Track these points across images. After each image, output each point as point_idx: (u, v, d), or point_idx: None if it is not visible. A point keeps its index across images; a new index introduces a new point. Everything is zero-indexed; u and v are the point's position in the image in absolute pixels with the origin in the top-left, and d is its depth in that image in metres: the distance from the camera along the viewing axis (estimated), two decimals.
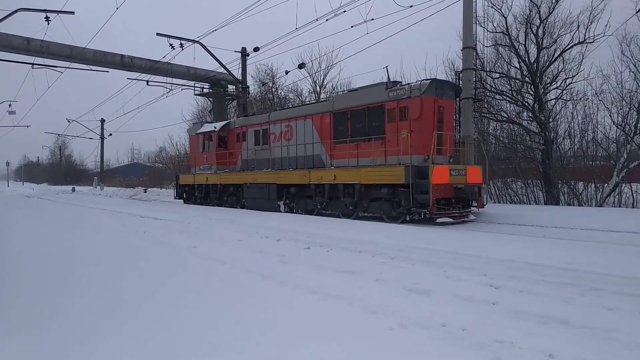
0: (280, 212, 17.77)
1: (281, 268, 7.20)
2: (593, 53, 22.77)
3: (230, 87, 35.86)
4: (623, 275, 6.08)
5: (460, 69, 18.62)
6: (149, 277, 6.73)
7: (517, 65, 23.64)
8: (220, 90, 33.92)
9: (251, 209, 19.55)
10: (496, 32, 23.84)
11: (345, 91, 18.22)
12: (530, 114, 22.78)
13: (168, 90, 31.99)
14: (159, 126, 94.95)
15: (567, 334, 4.17)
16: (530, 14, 22.85)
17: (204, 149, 23.38)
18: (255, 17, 79.23)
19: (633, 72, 20.79)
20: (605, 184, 20.62)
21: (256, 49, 27.72)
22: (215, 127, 22.49)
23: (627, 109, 20.77)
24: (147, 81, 31.17)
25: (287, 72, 28.31)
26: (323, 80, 35.50)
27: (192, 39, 27.27)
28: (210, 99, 40.61)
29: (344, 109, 16.32)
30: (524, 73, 23.23)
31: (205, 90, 34.39)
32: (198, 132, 23.92)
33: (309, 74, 34.62)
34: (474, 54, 17.95)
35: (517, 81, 23.56)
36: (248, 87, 30.81)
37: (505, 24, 23.27)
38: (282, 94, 37.17)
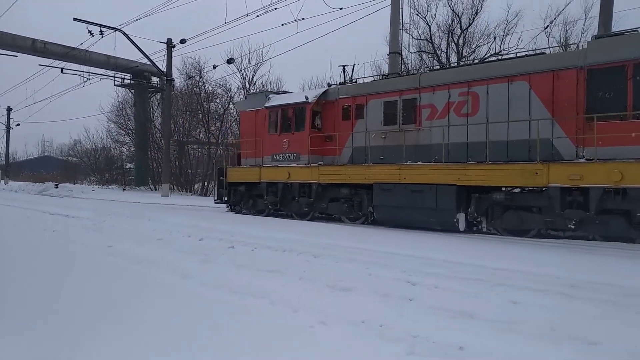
0: (460, 231, 11.48)
1: None
2: None
3: (154, 79, 34.42)
4: (529, 271, 6.53)
5: (386, 73, 19.19)
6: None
7: None
8: (143, 82, 32.46)
9: (390, 224, 12.75)
10: (421, 39, 24.92)
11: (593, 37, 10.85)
12: None
13: (85, 79, 30.07)
14: (74, 117, 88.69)
15: (476, 327, 4.39)
16: (452, 23, 24.16)
17: (280, 129, 15.52)
18: (182, 9, 76.50)
19: None
20: None
21: (183, 41, 26.80)
22: (306, 98, 14.83)
23: None
24: (62, 69, 29.12)
25: (215, 67, 27.67)
26: (253, 77, 35.10)
27: (114, 26, 25.81)
28: (132, 90, 38.74)
29: (616, 63, 9.74)
30: None
31: (126, 82, 32.71)
32: (266, 105, 15.99)
33: (238, 69, 34.04)
34: (400, 59, 18.59)
35: None
36: (173, 80, 29.70)
37: (429, 32, 24.40)
38: (210, 88, 36.28)
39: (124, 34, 26.06)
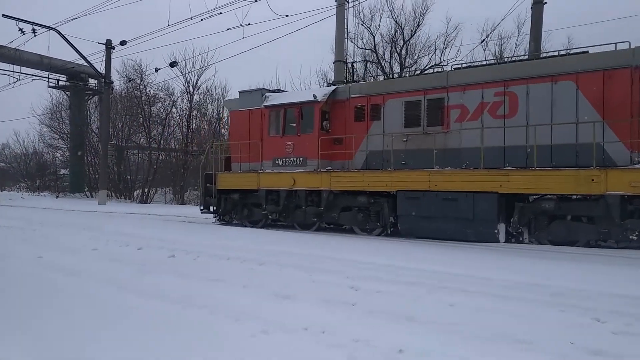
0: (498, 241, 10.47)
1: None
2: None
3: (92, 82, 32.95)
4: (465, 274, 6.79)
5: (332, 81, 19.42)
6: None
7: None
8: (80, 84, 30.95)
9: (416, 235, 11.59)
10: (365, 49, 25.44)
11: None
12: None
13: (15, 80, 28.24)
14: (2, 120, 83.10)
15: (416, 330, 4.51)
16: (395, 34, 24.83)
17: (283, 131, 13.93)
18: (122, 10, 73.82)
19: None
20: None
21: (123, 43, 25.87)
22: (315, 96, 13.29)
23: None
24: None
25: (157, 70, 26.92)
26: (197, 81, 34.41)
27: (48, 25, 24.48)
28: (68, 92, 36.89)
29: None
30: None
31: (61, 83, 31.07)
32: (266, 104, 14.27)
33: (181, 73, 33.26)
34: (345, 68, 18.88)
35: None
36: (112, 83, 28.56)
37: (373, 42, 24.95)
38: (152, 92, 35.18)
39: (59, 33, 24.78)
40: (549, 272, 6.98)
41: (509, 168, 10.46)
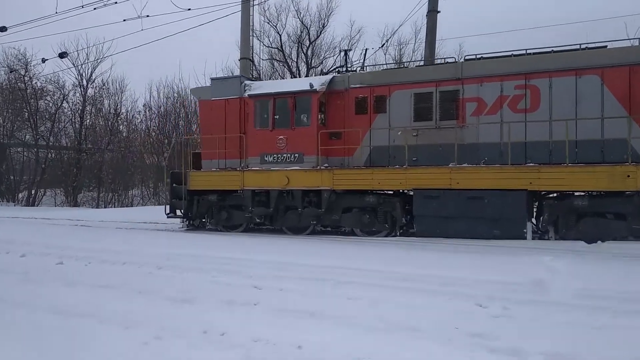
0: (525, 239, 9.96)
1: None
2: None
3: None
4: (366, 269, 7.02)
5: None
6: None
7: None
8: None
9: (433, 234, 10.75)
10: (272, 47, 25.40)
11: None
12: None
13: None
14: None
15: (317, 325, 4.58)
16: (301, 35, 25.06)
17: (273, 124, 12.49)
18: None
19: None
20: None
21: (3, 29, 23.24)
22: (311, 85, 12.05)
23: None
24: None
25: (44, 60, 24.52)
26: (91, 74, 32.04)
27: None
28: None
29: None
30: None
31: None
32: (250, 93, 12.77)
33: (73, 64, 30.76)
34: (251, 65, 18.70)
35: None
36: None
37: (280, 41, 24.99)
38: (39, 84, 32.11)
39: None
40: (441, 263, 7.48)
41: (532, 164, 10.08)
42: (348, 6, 25.26)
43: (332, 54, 25.29)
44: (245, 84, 13.14)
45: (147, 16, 18.27)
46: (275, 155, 12.42)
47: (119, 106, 33.44)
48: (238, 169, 12.86)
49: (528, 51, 10.80)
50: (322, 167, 11.84)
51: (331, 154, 12.18)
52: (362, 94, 12.01)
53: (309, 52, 25.09)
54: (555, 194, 10.31)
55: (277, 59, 25.68)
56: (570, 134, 9.78)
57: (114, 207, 29.74)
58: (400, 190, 11.39)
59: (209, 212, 13.43)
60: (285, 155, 12.32)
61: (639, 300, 5.02)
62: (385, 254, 8.65)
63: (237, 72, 24.31)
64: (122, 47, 58.19)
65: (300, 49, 25.14)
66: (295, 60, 25.21)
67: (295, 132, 12.21)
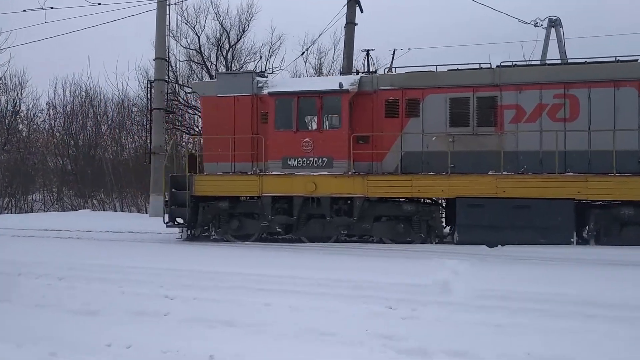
0: (570, 244, 9.95)
1: None
2: None
3: None
4: (287, 275, 6.98)
5: (153, 79, 18.40)
6: None
7: None
8: None
9: (474, 242, 10.26)
10: (190, 49, 24.71)
11: None
12: None
13: None
14: None
15: (231, 334, 4.51)
16: (221, 37, 24.63)
17: (298, 125, 11.60)
18: None
19: None
20: None
21: None
22: (341, 85, 11.30)
23: None
24: None
25: None
26: None
27: None
28: None
29: None
30: None
31: None
32: (270, 91, 11.73)
33: None
34: (167, 66, 18.09)
35: None
36: None
37: (198, 43, 24.36)
38: None
39: None
40: (352, 267, 7.70)
41: (575, 173, 10.26)
42: (269, 13, 25.26)
43: (252, 59, 25.13)
44: (258, 81, 12.12)
45: (52, 8, 17.06)
46: (300, 159, 11.54)
47: (17, 103, 30.60)
48: (250, 172, 11.83)
49: (566, 61, 11.13)
50: (355, 173, 11.24)
51: (358, 159, 11.51)
52: (393, 97, 11.47)
53: (229, 56, 24.72)
54: (599, 203, 10.40)
55: (196, 60, 25.02)
56: (608, 144, 9.96)
57: (10, 213, 27.12)
58: (436, 199, 11.18)
59: (214, 220, 12.19)
60: (312, 159, 11.48)
61: (535, 300, 5.46)
62: (302, 261, 8.74)
63: (151, 73, 23.30)
64: (22, 40, 53.53)
65: (219, 52, 24.67)
66: (215, 63, 24.71)
67: (324, 135, 11.49)
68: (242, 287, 6.37)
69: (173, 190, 12.13)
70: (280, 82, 12.34)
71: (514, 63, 11.18)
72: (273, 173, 11.56)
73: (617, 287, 6.24)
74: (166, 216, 12.16)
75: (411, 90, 11.36)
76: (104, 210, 25.32)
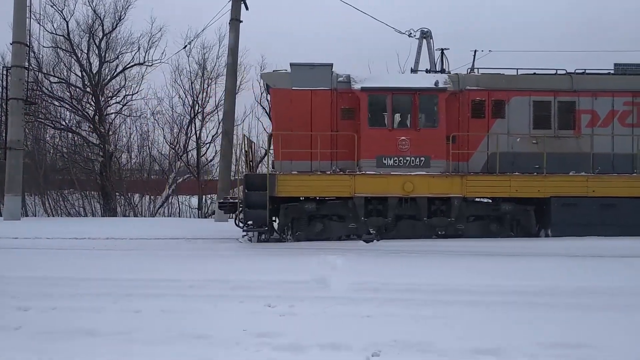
0: None
1: None
2: (151, 75, 25.29)
3: None
4: (168, 279, 6.62)
5: (10, 65, 16.38)
6: None
7: (79, 74, 22.98)
8: None
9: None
10: (56, 34, 22.41)
11: None
12: (90, 125, 22.51)
13: None
14: None
15: (95, 343, 4.19)
16: (93, 25, 22.71)
17: (392, 123, 11.28)
18: None
19: (182, 99, 24.19)
20: (159, 196, 22.86)
21: None
22: (437, 83, 11.16)
23: (177, 131, 24.00)
24: None
25: None
26: None
27: None
28: None
29: None
30: (86, 82, 22.84)
31: None
32: (364, 86, 11.10)
33: None
34: (28, 52, 16.21)
35: (77, 89, 22.83)
36: None
37: (66, 28, 22.20)
38: None
39: None
40: (231, 267, 7.59)
41: None
42: (149, 2, 23.72)
43: (129, 50, 23.50)
44: (338, 75, 11.63)
45: None
46: (396, 158, 11.31)
47: None
48: (328, 172, 11.24)
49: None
50: (453, 173, 11.26)
51: (454, 159, 11.64)
52: (480, 97, 11.76)
53: (103, 45, 22.84)
54: None
55: (64, 48, 22.71)
56: None
57: None
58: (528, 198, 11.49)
59: (293, 223, 11.49)
60: (408, 158, 11.31)
61: (404, 290, 5.86)
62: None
63: (8, 58, 20.65)
64: None
65: (92, 40, 22.67)
66: (86, 52, 22.67)
67: (420, 134, 11.30)
68: (108, 293, 5.91)
69: (247, 190, 11.15)
70: (366, 77, 11.86)
71: (585, 71, 12.03)
72: (367, 172, 11.20)
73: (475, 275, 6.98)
74: (237, 219, 11.39)
75: (497, 91, 11.78)
76: None
